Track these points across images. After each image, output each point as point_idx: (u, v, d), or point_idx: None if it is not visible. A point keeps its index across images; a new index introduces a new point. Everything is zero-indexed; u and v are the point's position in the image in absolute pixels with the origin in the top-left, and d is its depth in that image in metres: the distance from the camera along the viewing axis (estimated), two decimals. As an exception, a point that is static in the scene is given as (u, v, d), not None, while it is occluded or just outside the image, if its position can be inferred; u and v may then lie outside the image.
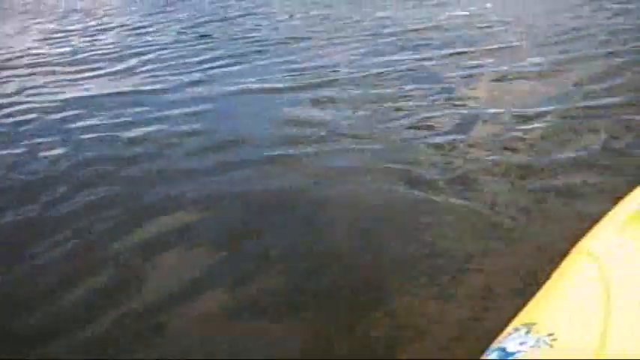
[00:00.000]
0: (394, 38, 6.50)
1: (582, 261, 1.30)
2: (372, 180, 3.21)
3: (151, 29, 8.42)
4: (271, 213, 2.96)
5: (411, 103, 4.33)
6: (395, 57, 5.65)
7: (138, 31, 8.30)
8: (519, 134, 3.61)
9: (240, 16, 9.07)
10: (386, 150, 3.58)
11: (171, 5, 10.89)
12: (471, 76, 4.93)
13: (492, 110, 4.06)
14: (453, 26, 6.87)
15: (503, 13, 7.29)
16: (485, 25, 6.77)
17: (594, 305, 1.09)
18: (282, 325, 2.18)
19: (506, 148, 3.44)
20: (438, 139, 3.65)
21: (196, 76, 5.64)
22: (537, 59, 5.20)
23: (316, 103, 4.54)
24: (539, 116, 3.86)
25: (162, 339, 2.14)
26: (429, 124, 3.92)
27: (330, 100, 4.56)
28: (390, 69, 5.27)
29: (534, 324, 1.11)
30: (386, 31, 6.91)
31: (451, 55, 5.61)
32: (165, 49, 6.98)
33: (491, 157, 3.33)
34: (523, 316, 1.21)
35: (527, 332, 1.09)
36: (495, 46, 5.77)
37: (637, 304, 1.07)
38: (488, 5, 7.89)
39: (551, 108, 3.98)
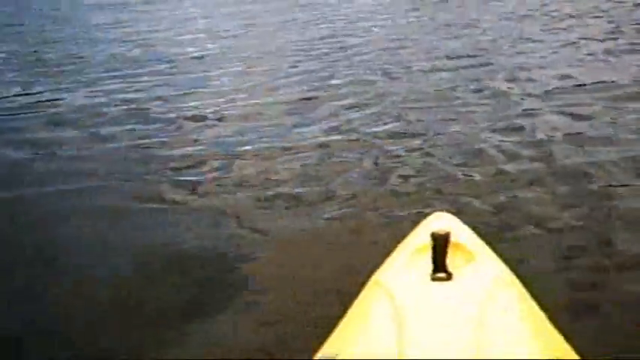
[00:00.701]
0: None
1: (376, 293, 1.41)
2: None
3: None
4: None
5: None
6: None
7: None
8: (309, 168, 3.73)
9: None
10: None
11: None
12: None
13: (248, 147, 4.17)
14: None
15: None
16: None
17: (388, 336, 1.21)
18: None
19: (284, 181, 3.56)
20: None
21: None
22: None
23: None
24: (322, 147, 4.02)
25: None
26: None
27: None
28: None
29: (336, 356, 1.21)
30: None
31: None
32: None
33: (265, 190, 3.46)
34: (327, 348, 1.30)
35: (330, 364, 1.18)
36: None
37: (426, 335, 1.20)
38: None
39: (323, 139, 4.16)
